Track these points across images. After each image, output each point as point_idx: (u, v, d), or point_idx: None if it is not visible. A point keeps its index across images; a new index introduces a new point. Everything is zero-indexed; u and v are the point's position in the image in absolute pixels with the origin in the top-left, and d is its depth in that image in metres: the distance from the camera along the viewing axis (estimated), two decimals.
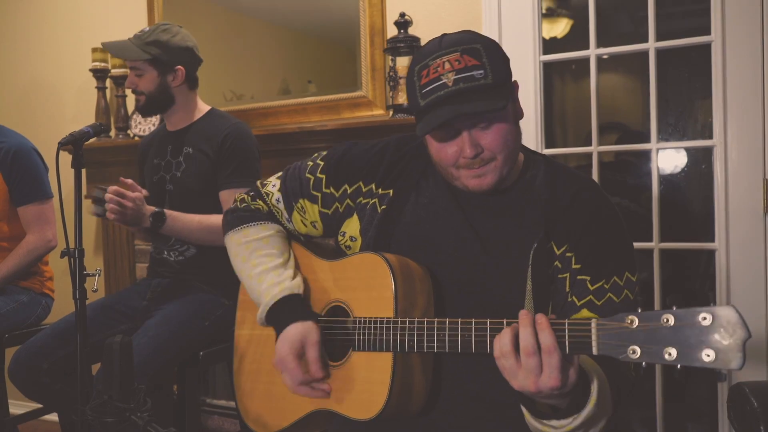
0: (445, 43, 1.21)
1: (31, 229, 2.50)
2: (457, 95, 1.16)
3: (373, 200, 1.36)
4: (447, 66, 1.17)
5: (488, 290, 1.26)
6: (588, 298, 1.22)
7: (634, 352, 0.96)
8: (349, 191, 1.39)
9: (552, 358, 1.00)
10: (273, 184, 1.48)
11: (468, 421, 1.29)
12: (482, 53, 1.18)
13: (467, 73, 1.16)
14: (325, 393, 1.30)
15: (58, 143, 1.78)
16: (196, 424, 2.22)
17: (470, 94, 1.16)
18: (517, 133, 1.26)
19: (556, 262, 1.25)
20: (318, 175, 1.42)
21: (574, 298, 1.24)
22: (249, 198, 1.50)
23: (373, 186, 1.37)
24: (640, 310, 0.98)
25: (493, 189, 1.25)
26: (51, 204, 2.54)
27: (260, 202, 1.48)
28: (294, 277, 1.38)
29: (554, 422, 1.08)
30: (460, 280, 1.29)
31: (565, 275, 1.24)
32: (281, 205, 1.45)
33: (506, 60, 1.23)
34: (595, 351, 0.99)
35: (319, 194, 1.41)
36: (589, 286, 1.23)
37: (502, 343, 1.04)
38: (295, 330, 1.29)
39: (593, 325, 1.00)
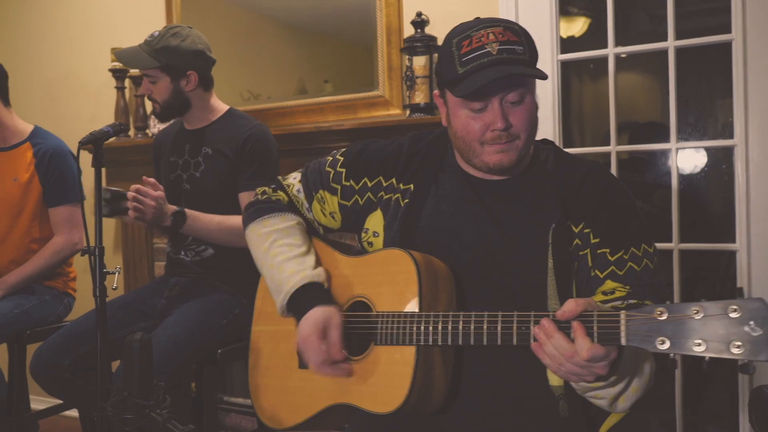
0: (484, 20, 1.27)
1: (60, 230, 2.53)
2: (501, 63, 1.21)
3: (396, 195, 1.40)
4: (491, 37, 1.22)
5: (511, 273, 1.29)
6: (610, 269, 1.26)
7: (663, 342, 0.97)
8: (369, 185, 1.44)
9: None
10: (294, 177, 1.54)
11: (487, 417, 1.30)
12: (520, 33, 1.25)
13: (510, 46, 1.22)
14: (347, 373, 1.31)
15: (79, 142, 1.80)
16: (214, 422, 2.24)
17: (513, 64, 1.21)
18: (537, 118, 1.32)
19: (576, 240, 1.29)
20: (338, 169, 1.47)
21: (596, 271, 1.27)
22: (270, 190, 1.55)
23: (394, 180, 1.41)
24: (668, 303, 0.99)
25: (511, 168, 1.30)
26: (80, 207, 2.56)
27: (281, 193, 1.53)
28: (315, 267, 1.41)
29: (606, 390, 1.13)
30: (483, 266, 1.31)
31: (585, 251, 1.28)
32: (301, 195, 1.51)
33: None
34: (623, 342, 1.02)
35: (338, 186, 1.46)
36: (609, 257, 1.27)
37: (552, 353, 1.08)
38: (319, 312, 1.32)
39: (622, 316, 1.02)
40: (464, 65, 1.23)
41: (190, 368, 2.17)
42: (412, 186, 1.39)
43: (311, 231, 1.53)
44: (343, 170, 1.46)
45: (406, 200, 1.38)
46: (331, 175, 1.47)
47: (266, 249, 1.46)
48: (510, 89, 1.24)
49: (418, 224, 1.36)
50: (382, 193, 1.42)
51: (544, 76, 1.23)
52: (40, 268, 2.49)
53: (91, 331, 2.03)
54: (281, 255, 1.42)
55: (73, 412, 2.91)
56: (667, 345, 0.97)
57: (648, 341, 0.98)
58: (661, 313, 0.98)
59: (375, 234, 1.41)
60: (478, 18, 1.29)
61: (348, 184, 1.45)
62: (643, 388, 1.16)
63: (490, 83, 1.20)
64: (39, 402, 3.04)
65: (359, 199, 1.45)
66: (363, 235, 1.44)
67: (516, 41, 1.23)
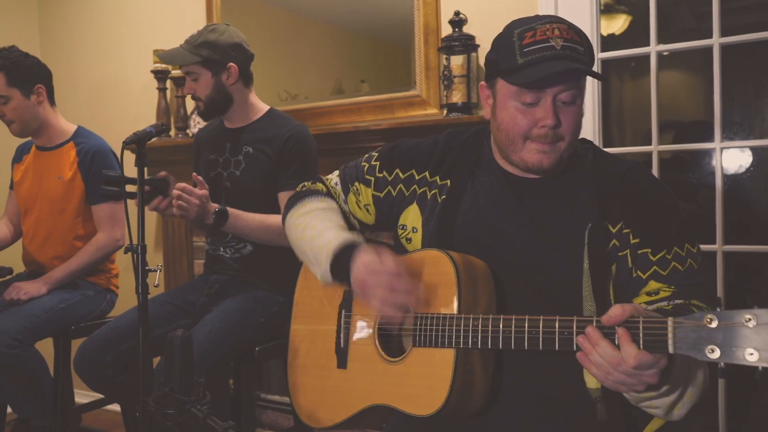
0: (548, 16, 1.27)
1: (102, 227, 2.59)
2: (564, 58, 1.20)
3: (432, 191, 1.40)
4: (556, 32, 1.22)
5: (546, 272, 1.28)
6: (653, 269, 1.24)
7: (712, 351, 0.95)
8: (401, 176, 1.44)
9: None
10: (332, 174, 1.58)
11: (528, 422, 1.28)
12: (582, 35, 1.25)
13: (573, 45, 1.22)
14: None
15: (123, 142, 1.84)
16: (252, 419, 2.26)
17: (575, 62, 1.21)
18: (582, 125, 1.31)
19: (614, 241, 1.26)
20: (373, 162, 1.50)
21: (638, 272, 1.25)
22: (309, 183, 1.60)
23: (428, 174, 1.41)
24: (719, 309, 0.96)
25: (550, 170, 1.29)
26: (122, 205, 2.62)
27: (320, 184, 1.57)
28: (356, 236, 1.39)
29: (660, 399, 1.11)
30: (519, 264, 1.30)
31: (625, 252, 1.26)
32: (339, 188, 1.55)
33: None
34: (671, 350, 0.99)
35: (372, 178, 1.48)
36: (651, 257, 1.24)
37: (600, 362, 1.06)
38: (367, 254, 1.29)
39: (670, 323, 1.00)
40: (525, 56, 1.22)
41: (228, 365, 2.20)
42: (448, 182, 1.39)
43: (348, 226, 1.54)
44: (378, 163, 1.49)
45: (443, 196, 1.38)
46: (366, 168, 1.50)
47: (305, 225, 1.46)
48: (565, 88, 1.23)
49: (455, 221, 1.36)
50: (416, 186, 1.42)
51: (605, 78, 1.22)
52: (84, 264, 2.55)
53: (132, 328, 2.07)
54: (320, 226, 1.43)
55: (115, 407, 2.98)
56: (717, 354, 0.94)
57: (697, 349, 0.95)
58: (711, 320, 0.95)
59: (414, 230, 1.41)
60: (539, 15, 1.29)
61: (381, 175, 1.47)
62: (698, 394, 1.13)
63: (554, 74, 1.19)
64: (82, 396, 3.11)
65: (392, 191, 1.46)
66: (400, 231, 1.44)
67: (578, 41, 1.23)
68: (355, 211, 1.53)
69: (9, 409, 2.63)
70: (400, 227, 1.44)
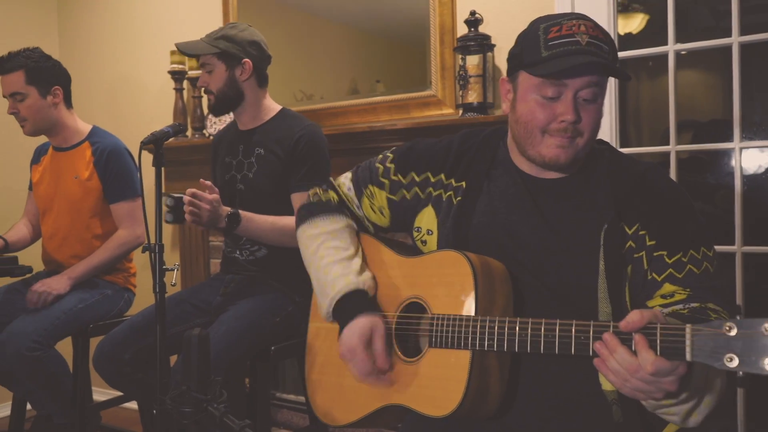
0: (574, 13, 1.27)
1: (123, 224, 2.61)
2: (588, 54, 1.20)
3: (448, 193, 1.39)
4: (582, 28, 1.22)
5: (561, 274, 1.27)
6: (668, 272, 1.23)
7: (731, 360, 0.93)
8: (417, 180, 1.44)
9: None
10: (345, 176, 1.56)
11: (543, 424, 1.28)
12: (607, 35, 1.25)
13: (598, 43, 1.22)
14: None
15: (141, 142, 1.85)
16: (267, 417, 2.27)
17: (599, 58, 1.21)
18: (600, 124, 1.30)
19: (629, 243, 1.25)
20: (387, 164, 1.49)
21: (654, 275, 1.24)
22: (321, 191, 1.58)
23: (443, 177, 1.41)
24: (738, 318, 0.95)
25: (566, 166, 1.28)
26: (140, 202, 2.64)
27: (332, 193, 1.55)
28: (360, 272, 1.42)
29: (678, 407, 1.10)
30: (535, 265, 1.30)
31: (640, 254, 1.25)
32: (351, 193, 1.53)
33: None
34: (689, 357, 0.98)
35: (387, 181, 1.47)
36: (667, 260, 1.23)
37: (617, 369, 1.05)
38: (363, 321, 1.33)
39: (688, 330, 0.98)
40: (550, 49, 1.22)
41: (244, 364, 2.21)
42: (464, 183, 1.39)
43: (362, 230, 1.54)
44: (392, 166, 1.48)
45: (459, 198, 1.38)
46: (380, 171, 1.49)
47: (314, 251, 1.48)
48: (587, 84, 1.23)
49: (471, 222, 1.36)
50: (431, 189, 1.42)
51: (628, 77, 1.22)
52: (106, 260, 2.58)
53: (150, 326, 2.09)
54: (327, 257, 1.44)
55: (133, 404, 3.00)
56: (735, 363, 0.92)
57: (715, 357, 0.94)
58: (730, 328, 0.93)
59: (429, 232, 1.41)
60: (565, 12, 1.29)
61: (396, 178, 1.46)
62: (715, 401, 1.11)
63: (577, 66, 1.19)
64: (101, 393, 3.14)
65: (406, 194, 1.45)
66: (415, 234, 1.45)
67: (603, 39, 1.23)
68: (369, 214, 1.53)
69: (29, 406, 2.66)
70: (416, 229, 1.44)
